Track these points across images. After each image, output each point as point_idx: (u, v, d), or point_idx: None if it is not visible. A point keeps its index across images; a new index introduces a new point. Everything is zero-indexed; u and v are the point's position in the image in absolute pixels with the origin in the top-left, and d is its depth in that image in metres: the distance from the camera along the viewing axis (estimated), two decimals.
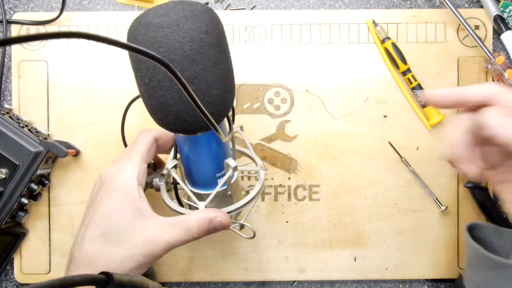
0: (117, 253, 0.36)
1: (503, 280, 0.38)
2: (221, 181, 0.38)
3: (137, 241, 0.36)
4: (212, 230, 0.37)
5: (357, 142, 0.54)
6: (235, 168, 0.37)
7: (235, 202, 0.40)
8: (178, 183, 0.40)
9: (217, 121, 0.36)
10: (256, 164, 0.43)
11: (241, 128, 0.41)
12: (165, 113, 0.33)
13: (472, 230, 0.43)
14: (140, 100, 0.48)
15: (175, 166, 0.39)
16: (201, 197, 0.39)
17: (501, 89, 0.33)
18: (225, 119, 0.38)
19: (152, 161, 0.47)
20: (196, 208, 0.38)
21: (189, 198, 0.41)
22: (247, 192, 0.43)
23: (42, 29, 0.53)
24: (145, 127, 0.45)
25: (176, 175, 0.38)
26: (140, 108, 0.53)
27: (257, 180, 0.42)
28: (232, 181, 0.40)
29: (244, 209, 0.40)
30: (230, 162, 0.38)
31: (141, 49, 0.21)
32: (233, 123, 0.40)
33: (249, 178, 0.54)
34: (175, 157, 0.40)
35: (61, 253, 0.53)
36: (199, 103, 0.28)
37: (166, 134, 0.44)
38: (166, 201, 0.40)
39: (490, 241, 0.43)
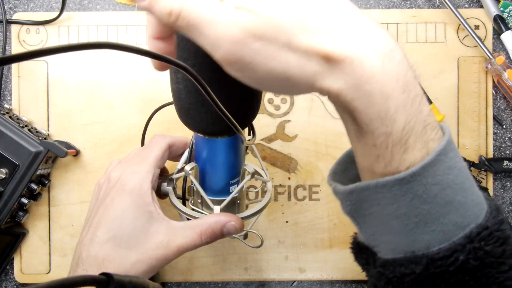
0: (129, 256, 0.36)
1: None
2: (238, 186, 0.39)
3: (150, 245, 0.36)
4: (225, 234, 0.37)
5: None
6: (253, 174, 0.38)
7: (241, 212, 0.41)
8: (191, 186, 0.41)
9: (245, 126, 0.37)
10: (266, 176, 0.43)
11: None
12: (200, 112, 0.33)
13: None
14: (152, 106, 0.48)
15: (192, 169, 0.39)
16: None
17: None
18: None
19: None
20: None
21: (197, 205, 0.41)
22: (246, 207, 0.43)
23: (42, 29, 0.53)
24: (157, 133, 0.45)
25: (193, 177, 0.38)
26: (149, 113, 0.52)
27: (265, 191, 0.43)
28: (243, 189, 0.40)
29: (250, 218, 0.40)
30: (249, 167, 0.38)
31: (162, 56, 0.23)
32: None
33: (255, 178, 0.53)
34: (189, 161, 0.40)
35: (61, 253, 0.53)
36: (223, 108, 0.29)
37: (179, 142, 0.44)
38: (177, 205, 0.40)
39: None
